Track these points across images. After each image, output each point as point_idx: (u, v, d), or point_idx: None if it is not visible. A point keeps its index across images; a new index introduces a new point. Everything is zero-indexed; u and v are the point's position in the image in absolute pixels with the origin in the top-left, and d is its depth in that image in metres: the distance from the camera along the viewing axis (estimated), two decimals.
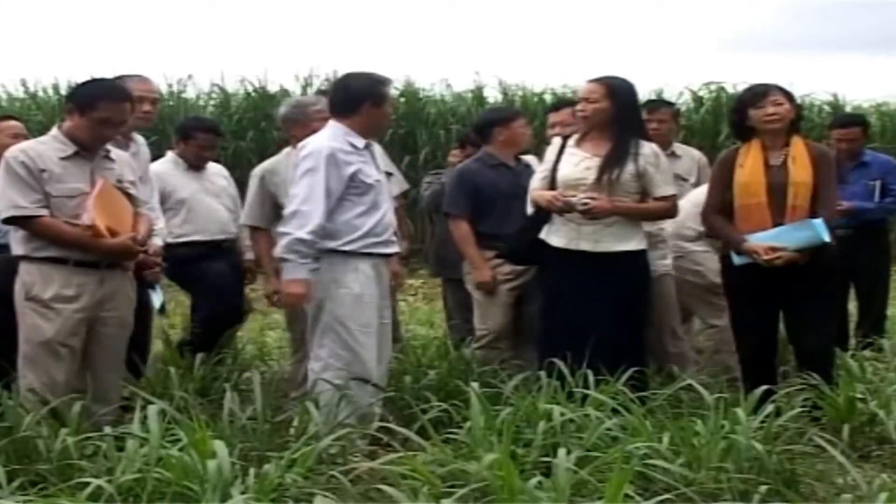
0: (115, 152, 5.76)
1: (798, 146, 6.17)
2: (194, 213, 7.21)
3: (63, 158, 5.49)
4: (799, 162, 6.11)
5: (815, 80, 17.55)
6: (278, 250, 5.76)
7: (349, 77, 6.05)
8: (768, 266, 6.00)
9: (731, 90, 15.43)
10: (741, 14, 31.06)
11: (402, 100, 15.79)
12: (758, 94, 6.28)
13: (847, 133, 8.27)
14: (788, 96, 6.23)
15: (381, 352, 5.94)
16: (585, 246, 6.15)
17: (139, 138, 6.57)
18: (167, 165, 7.35)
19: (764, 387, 5.51)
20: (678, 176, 6.70)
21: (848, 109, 16.49)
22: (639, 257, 6.31)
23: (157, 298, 6.94)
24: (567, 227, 6.19)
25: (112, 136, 5.64)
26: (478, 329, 7.15)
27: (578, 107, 6.33)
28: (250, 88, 16.70)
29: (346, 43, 25.16)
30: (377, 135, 6.22)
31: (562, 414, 5.10)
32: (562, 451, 4.37)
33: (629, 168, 6.14)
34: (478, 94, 16.48)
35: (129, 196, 5.71)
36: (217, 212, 7.34)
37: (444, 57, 30.29)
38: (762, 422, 5.01)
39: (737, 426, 4.87)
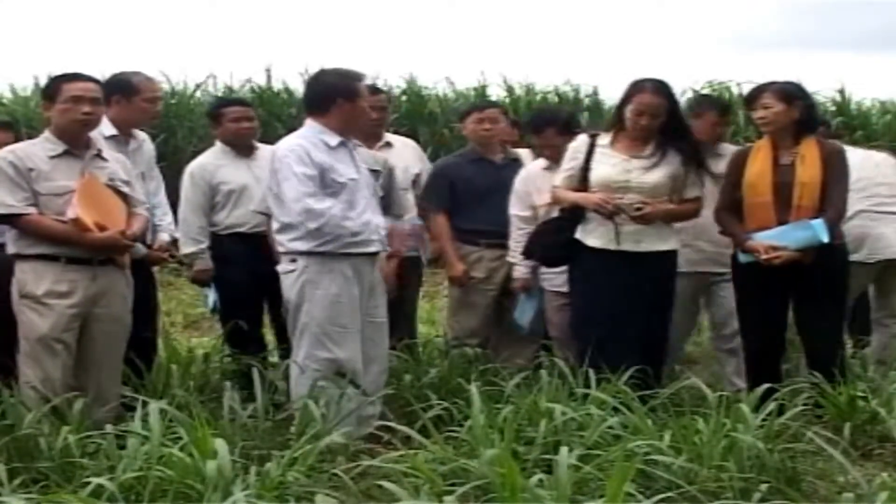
0: (108, 153, 5.79)
1: (809, 145, 6.19)
2: (242, 204, 6.92)
3: (52, 157, 5.56)
4: (808, 161, 6.13)
5: (817, 79, 17.43)
6: (284, 262, 5.78)
7: (320, 74, 6.00)
8: (768, 265, 6.02)
9: (735, 89, 15.38)
10: (741, 13, 31.03)
11: (405, 98, 15.76)
12: (750, 96, 6.41)
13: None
14: (785, 97, 6.21)
15: (373, 350, 5.91)
16: (627, 246, 6.16)
17: (141, 134, 6.56)
18: (215, 155, 7.13)
19: (766, 385, 5.51)
20: (720, 175, 6.67)
21: (852, 107, 16.46)
22: (673, 256, 6.36)
23: (210, 296, 6.95)
24: (605, 227, 6.18)
25: (92, 112, 5.61)
26: (449, 327, 7.22)
27: (642, 120, 6.17)
28: (256, 87, 16.63)
29: (350, 41, 25.14)
30: (356, 131, 6.05)
31: (563, 412, 5.10)
32: (563, 449, 4.36)
33: (675, 171, 6.24)
34: (481, 92, 16.43)
35: (122, 195, 5.72)
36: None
37: (448, 55, 30.26)
38: (764, 420, 5.01)
39: (738, 424, 4.87)
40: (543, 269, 6.79)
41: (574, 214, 6.29)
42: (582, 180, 6.26)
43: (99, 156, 5.70)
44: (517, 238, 6.80)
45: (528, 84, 16.51)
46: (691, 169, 6.28)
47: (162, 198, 6.71)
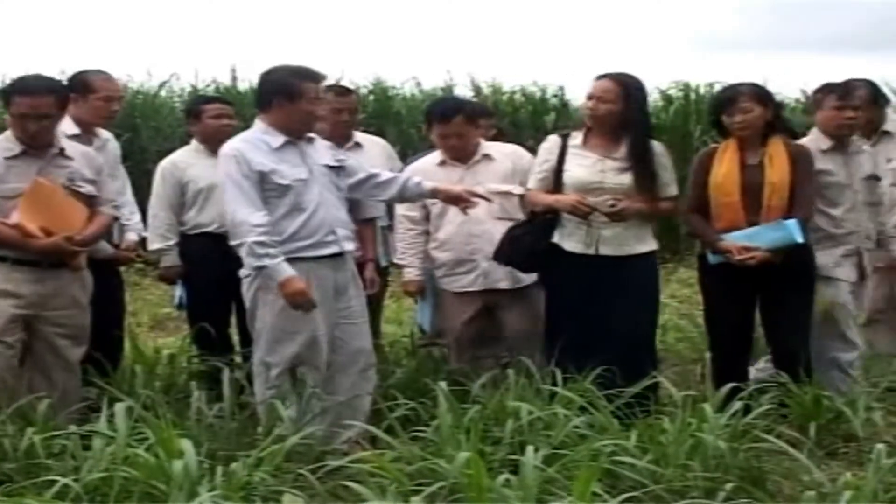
0: (73, 149, 5.71)
1: (776, 146, 6.17)
2: (210, 203, 6.82)
3: (9, 158, 5.49)
4: (776, 162, 6.12)
5: (782, 80, 17.46)
6: (246, 267, 5.59)
7: (267, 71, 5.81)
8: (741, 266, 6.02)
9: (703, 90, 15.43)
10: (705, 14, 31.14)
11: (372, 98, 15.74)
12: (728, 99, 6.28)
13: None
14: (761, 99, 6.20)
15: (347, 351, 5.76)
16: (607, 250, 6.06)
17: (104, 133, 6.53)
18: (187, 154, 7.06)
19: (731, 384, 5.52)
20: (873, 176, 6.60)
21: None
22: (654, 257, 6.28)
23: (177, 293, 6.93)
24: (582, 231, 6.08)
25: (40, 130, 5.51)
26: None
27: (589, 104, 6.13)
28: (221, 86, 16.57)
29: (317, 40, 25.08)
30: (301, 132, 5.73)
31: (530, 412, 5.10)
32: (529, 449, 4.37)
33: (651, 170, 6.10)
34: (448, 92, 16.42)
35: (82, 195, 5.64)
36: None
37: (415, 55, 30.23)
38: (730, 419, 5.03)
39: (704, 424, 4.89)
40: (447, 270, 6.56)
41: (548, 218, 6.18)
42: (555, 182, 6.17)
43: (62, 154, 5.62)
44: (407, 239, 6.63)
45: (494, 84, 16.51)
46: (664, 168, 6.19)
47: (129, 197, 6.71)
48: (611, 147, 6.12)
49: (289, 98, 5.61)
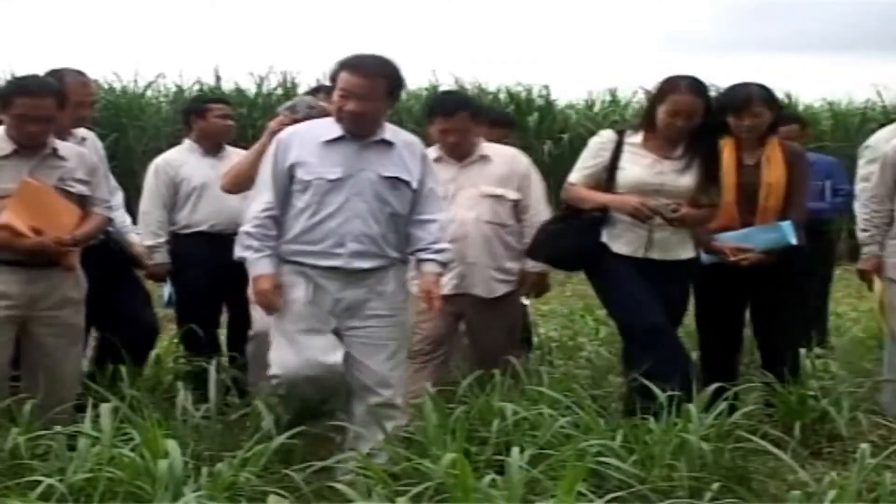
0: (68, 150, 5.62)
1: (773, 147, 6.16)
2: (203, 202, 6.84)
3: (0, 158, 5.42)
4: (773, 163, 6.11)
5: (760, 80, 17.42)
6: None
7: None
8: (734, 266, 6.01)
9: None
10: (680, 14, 31.29)
11: None
12: (739, 102, 6.11)
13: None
14: (769, 103, 6.15)
15: (365, 372, 5.27)
16: (655, 255, 5.84)
17: (81, 132, 6.41)
18: (182, 153, 7.06)
19: (716, 384, 5.50)
20: None
21: (800, 109, 16.57)
22: (694, 264, 6.04)
23: (166, 290, 6.92)
24: (634, 233, 5.82)
25: (40, 132, 5.43)
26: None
27: (676, 121, 5.77)
28: (205, 87, 16.57)
29: (301, 41, 25.07)
30: (353, 127, 5.19)
31: (515, 412, 5.11)
32: (515, 450, 4.37)
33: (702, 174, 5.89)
34: (432, 92, 16.47)
35: (73, 195, 5.55)
36: (228, 201, 6.53)
37: (399, 55, 30.28)
38: (715, 419, 5.04)
39: (689, 424, 4.90)
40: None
41: (595, 217, 5.91)
42: (608, 180, 5.93)
43: (54, 154, 5.52)
44: None
45: (479, 84, 16.55)
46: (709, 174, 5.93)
47: (118, 199, 6.67)
48: (669, 148, 5.88)
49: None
